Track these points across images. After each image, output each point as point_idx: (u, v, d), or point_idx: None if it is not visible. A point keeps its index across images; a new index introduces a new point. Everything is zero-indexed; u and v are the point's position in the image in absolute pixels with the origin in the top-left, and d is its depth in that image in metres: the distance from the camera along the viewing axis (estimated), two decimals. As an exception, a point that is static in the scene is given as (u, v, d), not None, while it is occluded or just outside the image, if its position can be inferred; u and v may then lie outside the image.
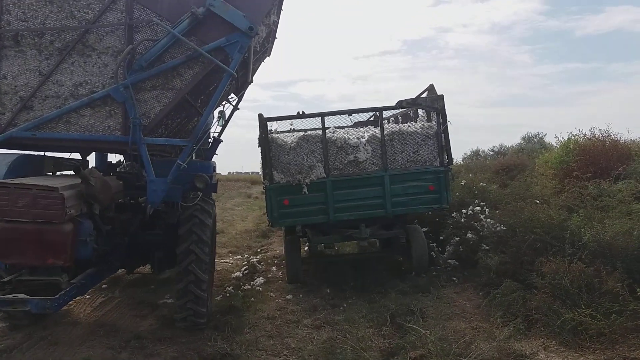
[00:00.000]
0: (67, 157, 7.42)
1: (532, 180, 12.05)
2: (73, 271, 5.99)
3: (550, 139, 22.32)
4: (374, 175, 8.64)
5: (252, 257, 12.10)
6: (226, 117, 8.21)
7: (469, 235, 9.14)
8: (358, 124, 11.04)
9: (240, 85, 8.10)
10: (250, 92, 9.69)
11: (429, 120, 9.25)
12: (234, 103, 8.36)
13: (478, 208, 9.52)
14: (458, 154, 26.61)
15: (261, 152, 8.59)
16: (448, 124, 8.70)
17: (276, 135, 8.75)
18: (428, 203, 8.78)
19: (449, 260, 9.26)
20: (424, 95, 8.83)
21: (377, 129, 8.83)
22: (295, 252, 9.14)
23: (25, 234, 5.07)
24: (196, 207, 6.70)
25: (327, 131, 8.66)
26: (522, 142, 26.07)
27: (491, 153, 25.15)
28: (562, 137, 11.90)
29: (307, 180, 8.51)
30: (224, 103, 8.60)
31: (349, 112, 8.60)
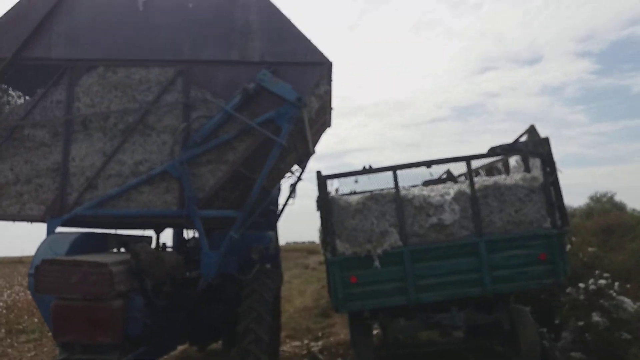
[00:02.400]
0: (137, 234, 7.59)
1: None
2: (128, 348, 5.75)
3: (621, 198, 20.35)
4: (465, 242, 6.72)
5: (312, 343, 10.16)
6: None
7: (596, 318, 6.87)
8: (428, 183, 9.21)
9: (302, 156, 8.17)
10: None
11: (526, 170, 7.34)
12: (297, 174, 8.42)
13: (603, 281, 7.28)
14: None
15: (320, 216, 6.92)
16: (558, 173, 6.75)
17: (338, 196, 7.08)
18: (539, 277, 6.67)
19: (572, 353, 6.95)
20: (523, 139, 6.98)
21: (466, 184, 6.99)
22: (365, 344, 7.17)
23: (76, 311, 5.18)
24: (258, 282, 6.58)
25: (401, 189, 6.92)
26: (591, 202, 24.11)
27: None
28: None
29: (378, 251, 6.70)
30: (288, 175, 8.92)
31: (428, 164, 6.88)
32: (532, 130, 6.92)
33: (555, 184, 6.76)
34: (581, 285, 7.51)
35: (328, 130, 9.83)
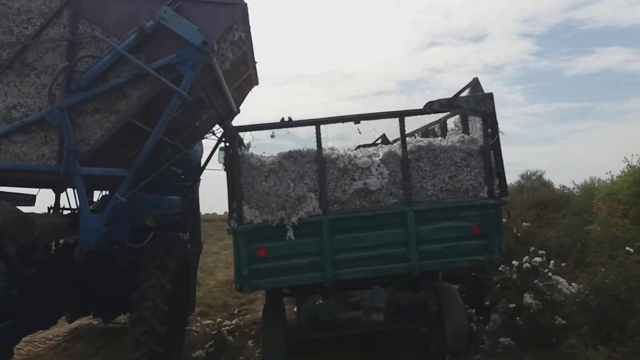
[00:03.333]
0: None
1: (590, 219, 9.24)
2: None
3: (549, 176, 20.94)
4: (392, 211, 5.85)
5: (225, 322, 9.15)
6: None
7: (528, 299, 6.26)
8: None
9: (225, 115, 7.38)
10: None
11: (465, 132, 6.54)
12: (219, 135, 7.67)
13: (538, 259, 6.67)
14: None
15: (227, 177, 5.82)
16: (500, 134, 5.98)
17: (249, 152, 5.99)
18: (472, 253, 5.93)
19: (501, 339, 6.31)
20: (465, 93, 6.12)
21: (397, 144, 6.09)
22: (276, 326, 6.22)
23: None
24: (160, 248, 6.12)
25: (324, 147, 5.92)
26: (521, 179, 24.84)
27: None
28: (633, 161, 9.16)
29: (293, 219, 5.71)
30: (207, 135, 8.19)
31: (357, 118, 5.89)
32: (475, 84, 6.08)
33: (496, 147, 5.99)
34: (514, 262, 6.87)
35: (268, 95, 8.86)
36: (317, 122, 5.91)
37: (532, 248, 7.02)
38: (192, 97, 5.72)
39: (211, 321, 9.51)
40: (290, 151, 5.91)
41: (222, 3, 5.60)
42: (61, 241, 6.77)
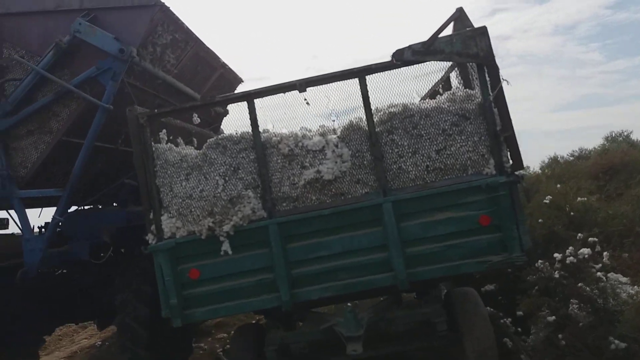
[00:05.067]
0: None
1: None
2: None
3: (638, 136, 18.18)
4: (361, 204, 4.28)
5: (199, 345, 8.05)
6: None
7: (574, 309, 4.47)
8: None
9: (214, 119, 7.43)
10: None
11: (468, 87, 4.81)
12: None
13: (586, 250, 4.82)
14: (533, 161, 21.99)
15: (139, 179, 4.50)
16: (503, 82, 4.22)
17: (166, 145, 4.62)
18: (481, 252, 4.22)
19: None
20: (448, 32, 4.38)
21: (361, 115, 4.47)
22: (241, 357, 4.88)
23: None
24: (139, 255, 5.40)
25: (262, 129, 4.45)
26: (606, 142, 21.80)
27: (571, 158, 20.75)
28: None
29: (225, 228, 4.29)
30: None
31: (301, 84, 4.30)
32: (460, 17, 4.32)
33: (501, 102, 4.22)
34: (557, 256, 5.07)
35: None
36: (249, 96, 4.43)
37: (580, 234, 5.17)
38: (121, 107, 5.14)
39: (225, 334, 8.45)
40: (216, 138, 4.49)
41: (137, 7, 5.31)
42: None
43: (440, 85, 5.76)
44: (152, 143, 4.51)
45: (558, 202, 6.86)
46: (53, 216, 5.52)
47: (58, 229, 5.97)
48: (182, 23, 5.97)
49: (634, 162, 10.68)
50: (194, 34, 6.29)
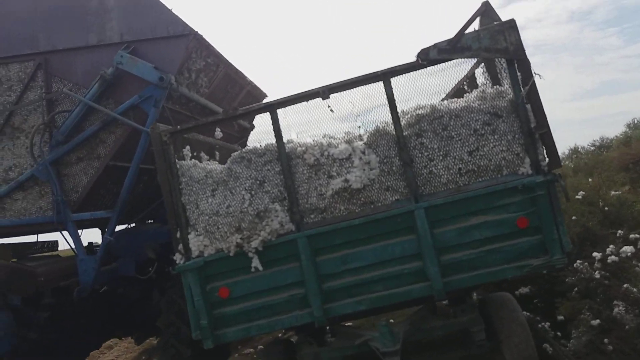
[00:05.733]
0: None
1: None
2: None
3: None
4: (392, 212, 4.12)
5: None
6: None
7: (619, 311, 4.25)
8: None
9: (240, 134, 7.58)
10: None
11: (496, 84, 4.64)
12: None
13: (629, 248, 4.60)
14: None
15: (165, 198, 4.40)
16: (536, 77, 4.04)
17: (191, 162, 4.53)
18: (520, 256, 4.04)
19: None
20: (474, 27, 4.21)
21: (387, 119, 4.31)
22: None
23: None
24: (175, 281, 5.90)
25: (286, 139, 4.33)
26: (628, 130, 21.19)
27: (592, 148, 20.30)
28: None
29: (254, 244, 4.17)
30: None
31: (324, 91, 4.16)
32: (486, 11, 4.15)
33: (534, 98, 4.05)
34: (596, 255, 4.85)
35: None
36: (271, 107, 4.32)
37: (621, 231, 4.95)
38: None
39: (252, 349, 8.30)
40: (241, 151, 4.37)
41: (173, 37, 5.65)
42: None
43: (465, 83, 5.58)
44: (176, 160, 4.41)
45: (590, 197, 6.63)
46: (104, 236, 5.91)
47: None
48: (213, 48, 6.34)
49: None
50: (223, 57, 6.63)
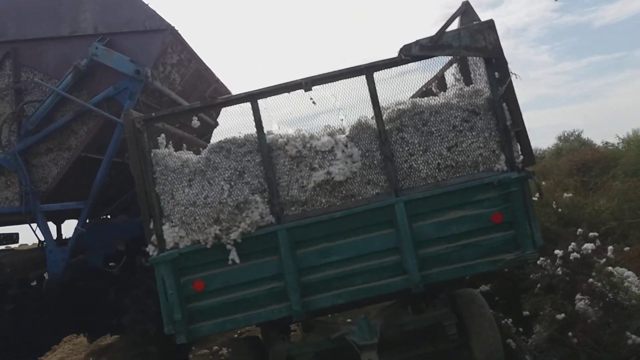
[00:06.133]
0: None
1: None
2: None
3: (588, 135, 19.59)
4: (373, 206, 4.15)
5: (223, 351, 7.79)
6: None
7: (582, 305, 4.47)
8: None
9: (204, 130, 7.37)
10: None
11: (468, 84, 4.77)
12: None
13: (590, 245, 4.84)
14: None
15: (137, 187, 4.23)
16: (513, 77, 4.20)
17: (165, 150, 4.37)
18: (494, 251, 4.16)
19: None
20: (454, 26, 4.33)
21: (369, 114, 4.35)
22: None
23: None
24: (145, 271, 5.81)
25: (266, 130, 4.27)
26: (559, 142, 23.11)
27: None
28: None
29: (233, 235, 4.07)
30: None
31: (306, 83, 4.15)
32: (466, 11, 4.27)
33: (510, 97, 4.20)
34: (558, 252, 5.07)
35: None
36: (252, 97, 4.24)
37: (580, 229, 5.20)
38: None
39: (207, 350, 8.10)
40: (220, 141, 4.27)
41: (150, 31, 5.65)
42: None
43: (434, 84, 5.71)
44: (151, 149, 4.25)
45: (545, 198, 6.94)
46: (75, 227, 5.77)
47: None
48: (187, 44, 6.39)
49: (603, 158, 11.06)
50: (196, 53, 6.66)
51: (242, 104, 4.30)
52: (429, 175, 4.18)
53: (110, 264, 6.75)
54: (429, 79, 5.67)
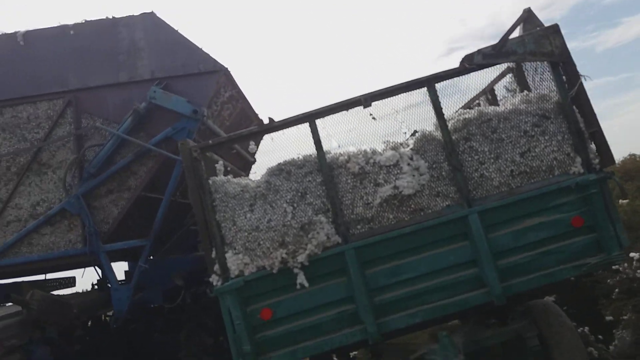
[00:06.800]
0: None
1: None
2: None
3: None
4: (444, 219, 3.93)
5: None
6: None
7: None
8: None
9: (244, 166, 7.67)
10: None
11: (523, 90, 4.57)
12: None
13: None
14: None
15: (197, 217, 4.08)
16: (583, 79, 4.00)
17: (223, 178, 4.23)
18: (578, 256, 3.91)
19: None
20: (517, 32, 4.16)
21: (433, 123, 4.18)
22: None
23: None
24: (196, 306, 6.44)
25: (326, 149, 4.12)
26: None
27: None
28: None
29: (300, 258, 3.88)
30: None
31: (366, 99, 3.97)
32: (529, 17, 4.11)
33: (582, 99, 3.99)
34: (634, 255, 4.79)
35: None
36: (310, 117, 4.10)
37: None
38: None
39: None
40: (279, 164, 4.12)
41: (205, 73, 5.91)
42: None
43: (482, 99, 5.53)
44: (208, 177, 4.12)
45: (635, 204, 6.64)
46: (138, 264, 5.88)
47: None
48: (236, 83, 6.59)
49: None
50: (242, 92, 6.84)
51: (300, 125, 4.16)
52: (502, 182, 3.97)
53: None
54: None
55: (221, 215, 4.02)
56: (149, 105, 5.79)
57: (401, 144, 4.14)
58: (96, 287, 7.57)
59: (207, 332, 6.29)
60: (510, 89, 5.06)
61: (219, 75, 6.00)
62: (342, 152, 4.13)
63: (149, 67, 6.01)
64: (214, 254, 3.98)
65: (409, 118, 4.28)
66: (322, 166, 4.04)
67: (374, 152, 4.09)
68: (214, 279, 3.96)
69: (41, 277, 7.12)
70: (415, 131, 4.28)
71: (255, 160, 7.63)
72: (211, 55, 5.97)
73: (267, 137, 4.37)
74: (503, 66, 4.81)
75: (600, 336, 5.01)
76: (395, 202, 3.96)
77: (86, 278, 8.19)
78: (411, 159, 4.00)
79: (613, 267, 4.84)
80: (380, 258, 3.95)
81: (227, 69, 6.04)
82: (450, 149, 3.97)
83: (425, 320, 3.97)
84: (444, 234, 3.94)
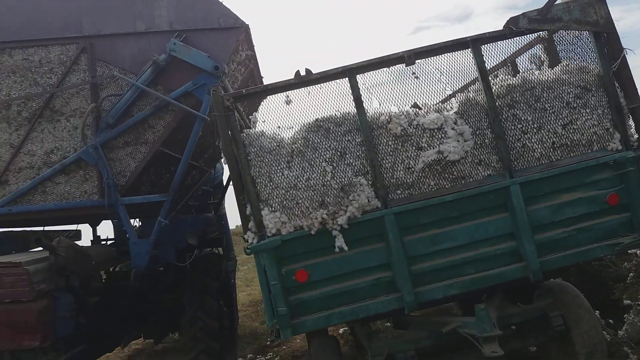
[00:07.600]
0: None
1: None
2: (63, 349, 5.33)
3: None
4: (486, 188, 3.86)
5: (257, 358, 7.30)
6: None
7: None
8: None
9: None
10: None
11: (551, 64, 4.54)
12: None
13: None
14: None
15: (230, 171, 3.86)
16: (625, 53, 4.00)
17: (258, 130, 4.02)
18: (610, 234, 3.93)
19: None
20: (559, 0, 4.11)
21: (476, 88, 4.09)
22: None
23: None
24: (200, 269, 6.63)
25: (367, 107, 3.96)
26: None
27: None
28: None
29: (340, 220, 3.73)
30: None
31: (409, 56, 3.84)
32: (574, -16, 4.06)
33: (624, 73, 3.99)
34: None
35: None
36: (350, 72, 3.93)
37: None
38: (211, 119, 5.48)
39: (241, 359, 7.65)
40: (317, 119, 3.94)
41: (226, 28, 5.73)
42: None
43: (503, 70, 5.47)
44: (242, 129, 3.89)
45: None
46: (158, 220, 5.74)
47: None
48: (253, 43, 6.44)
49: None
50: (255, 52, 6.67)
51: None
52: (543, 154, 3.93)
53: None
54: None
55: (256, 170, 3.81)
56: (168, 57, 5.56)
57: (443, 107, 4.02)
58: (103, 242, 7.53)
59: (212, 296, 6.40)
60: (537, 61, 5.01)
61: (240, 32, 5.79)
62: (383, 112, 3.98)
63: (168, 18, 5.78)
64: (248, 211, 3.77)
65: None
66: (362, 125, 3.88)
67: (416, 112, 3.96)
68: (249, 237, 3.75)
69: (40, 230, 6.88)
70: (416, 103, 4.18)
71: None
72: (232, 10, 5.77)
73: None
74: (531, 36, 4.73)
75: (610, 320, 5.08)
76: (437, 168, 3.86)
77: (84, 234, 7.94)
78: (455, 123, 3.90)
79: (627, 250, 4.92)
80: (420, 225, 3.86)
81: (248, 26, 5.84)
82: (494, 116, 3.90)
83: (462, 292, 3.90)
84: (485, 205, 3.88)
